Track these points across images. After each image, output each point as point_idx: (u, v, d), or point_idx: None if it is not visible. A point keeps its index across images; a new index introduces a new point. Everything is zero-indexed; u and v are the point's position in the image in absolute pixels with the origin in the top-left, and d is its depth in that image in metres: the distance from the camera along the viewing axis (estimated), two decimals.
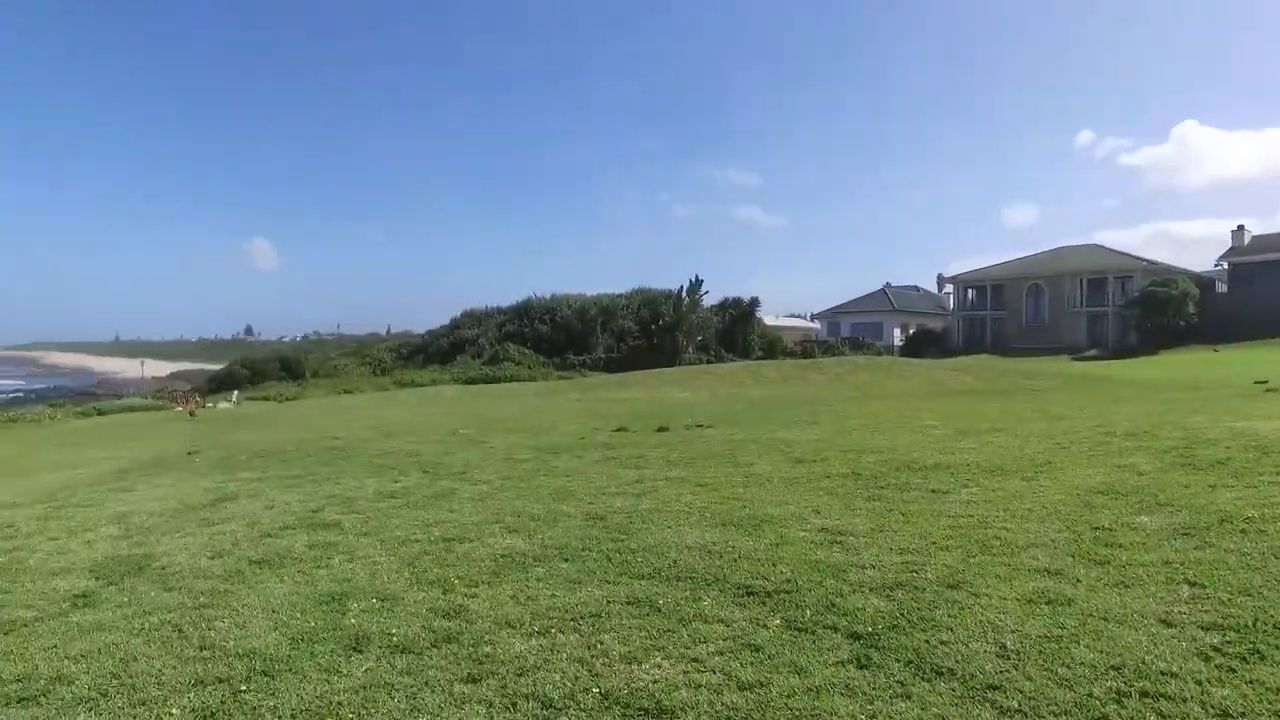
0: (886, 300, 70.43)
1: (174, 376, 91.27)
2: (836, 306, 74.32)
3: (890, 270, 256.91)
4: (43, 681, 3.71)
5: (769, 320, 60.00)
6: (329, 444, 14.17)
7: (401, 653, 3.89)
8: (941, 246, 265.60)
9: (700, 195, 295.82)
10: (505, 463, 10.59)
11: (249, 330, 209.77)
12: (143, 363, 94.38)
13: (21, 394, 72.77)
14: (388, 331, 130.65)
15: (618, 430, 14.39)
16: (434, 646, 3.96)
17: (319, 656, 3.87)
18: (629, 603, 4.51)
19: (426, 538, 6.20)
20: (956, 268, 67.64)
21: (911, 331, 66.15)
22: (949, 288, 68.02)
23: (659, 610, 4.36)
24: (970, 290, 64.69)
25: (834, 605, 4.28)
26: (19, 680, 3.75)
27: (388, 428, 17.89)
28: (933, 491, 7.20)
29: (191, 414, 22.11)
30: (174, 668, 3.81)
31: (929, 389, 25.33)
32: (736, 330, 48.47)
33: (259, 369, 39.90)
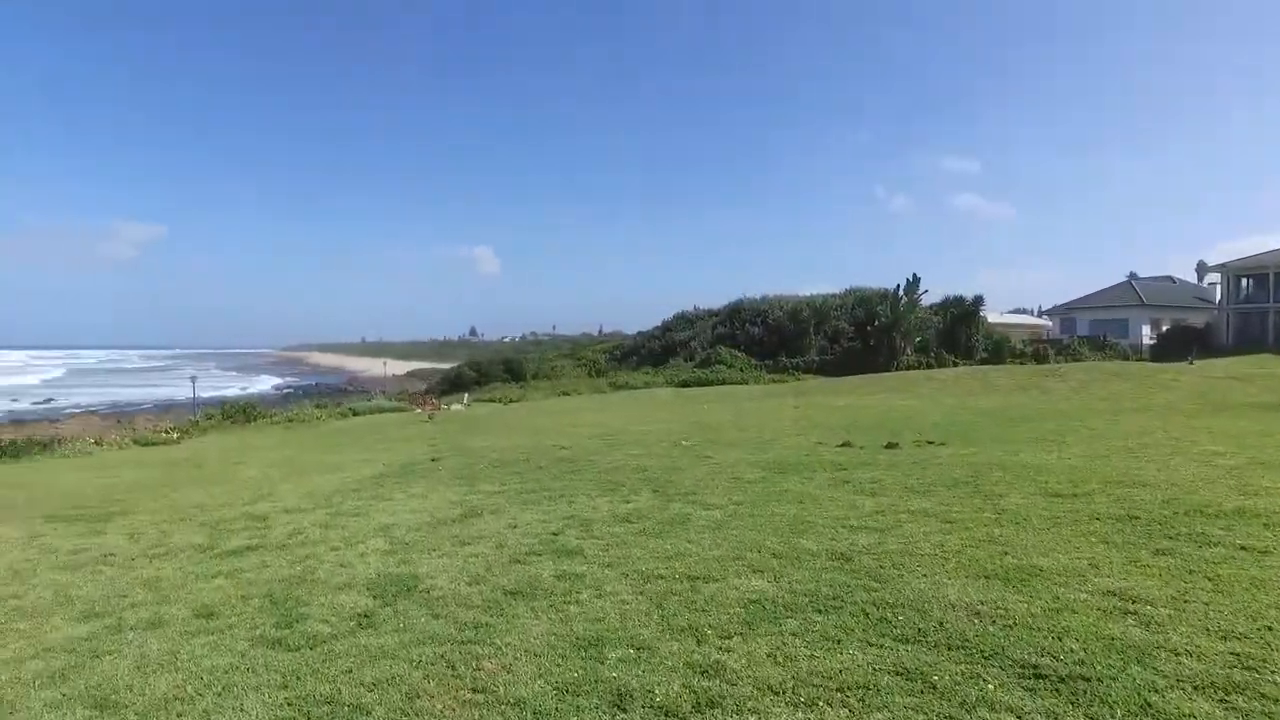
0: (1133, 293, 63.03)
1: (410, 375, 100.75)
2: (1071, 301, 67.64)
3: (1133, 261, 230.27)
4: (345, 709, 3.99)
5: (992, 318, 55.67)
6: (558, 454, 14.75)
7: (666, 716, 3.80)
8: (1195, 230, 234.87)
9: (915, 185, 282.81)
10: (733, 482, 10.45)
11: (473, 331, 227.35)
12: (385, 363, 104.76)
13: (292, 389, 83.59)
14: (600, 331, 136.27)
15: (843, 445, 13.83)
16: (697, 711, 3.83)
17: (584, 713, 3.87)
18: (898, 673, 4.14)
19: (670, 573, 6.14)
20: (1222, 254, 59.14)
21: (1165, 328, 58.69)
22: (1213, 277, 59.69)
23: (934, 688, 3.96)
24: (1245, 280, 56.23)
25: (1150, 706, 3.66)
26: (328, 703, 4.07)
27: (610, 435, 18.39)
28: (1243, 549, 6.13)
29: (430, 417, 24.00)
30: (454, 710, 3.96)
31: (1201, 402, 22.12)
32: (958, 330, 45.46)
33: (485, 370, 42.81)
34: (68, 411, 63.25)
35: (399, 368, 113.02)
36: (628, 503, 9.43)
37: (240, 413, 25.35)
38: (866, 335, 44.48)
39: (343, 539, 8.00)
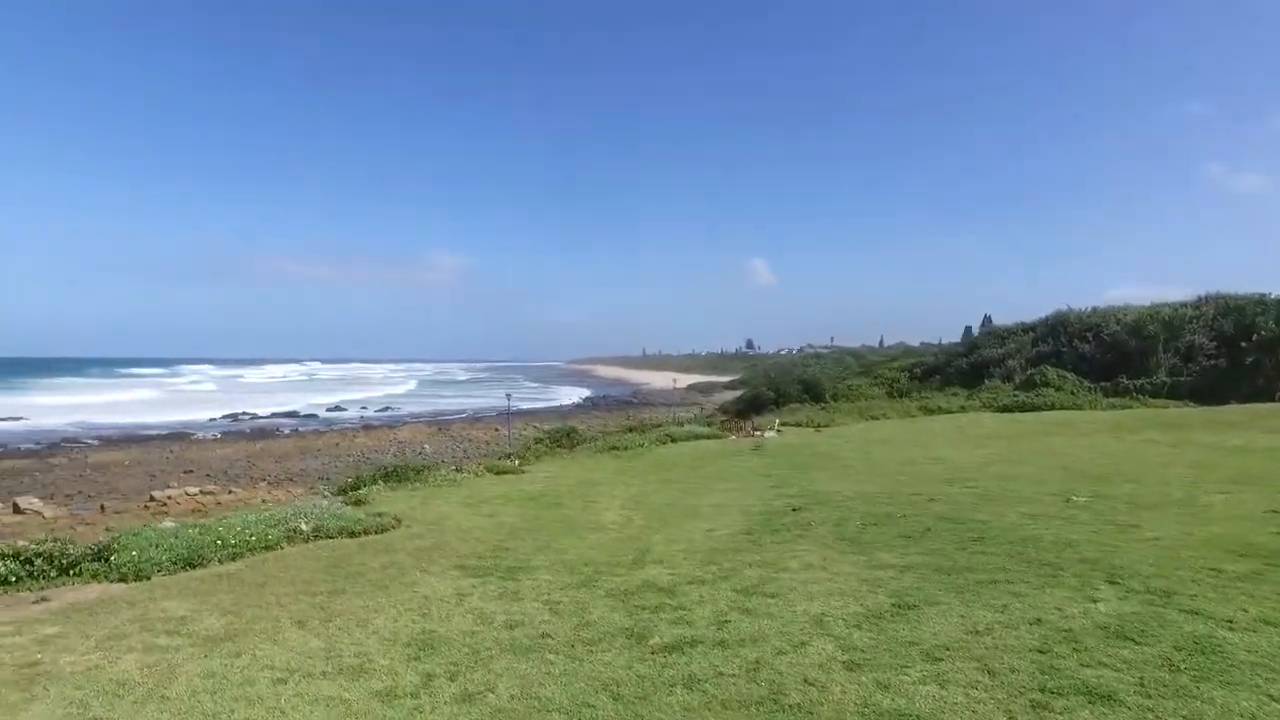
0: None
1: (691, 389, 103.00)
2: None
3: None
4: None
5: None
6: (929, 507, 13.10)
7: None
8: None
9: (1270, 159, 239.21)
10: (1213, 575, 8.15)
11: (749, 344, 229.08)
12: (675, 379, 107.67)
13: (585, 401, 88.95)
14: (880, 343, 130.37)
15: None
16: None
17: None
18: None
19: None
20: None
21: None
22: None
23: None
24: None
25: None
26: None
27: (965, 478, 16.36)
28: None
29: (756, 447, 23.20)
30: None
31: None
32: None
33: (782, 390, 41.74)
34: (403, 420, 71.89)
35: (681, 379, 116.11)
36: (1094, 602, 7.56)
37: (565, 437, 26.52)
38: (1240, 352, 37.05)
39: (781, 634, 7.04)
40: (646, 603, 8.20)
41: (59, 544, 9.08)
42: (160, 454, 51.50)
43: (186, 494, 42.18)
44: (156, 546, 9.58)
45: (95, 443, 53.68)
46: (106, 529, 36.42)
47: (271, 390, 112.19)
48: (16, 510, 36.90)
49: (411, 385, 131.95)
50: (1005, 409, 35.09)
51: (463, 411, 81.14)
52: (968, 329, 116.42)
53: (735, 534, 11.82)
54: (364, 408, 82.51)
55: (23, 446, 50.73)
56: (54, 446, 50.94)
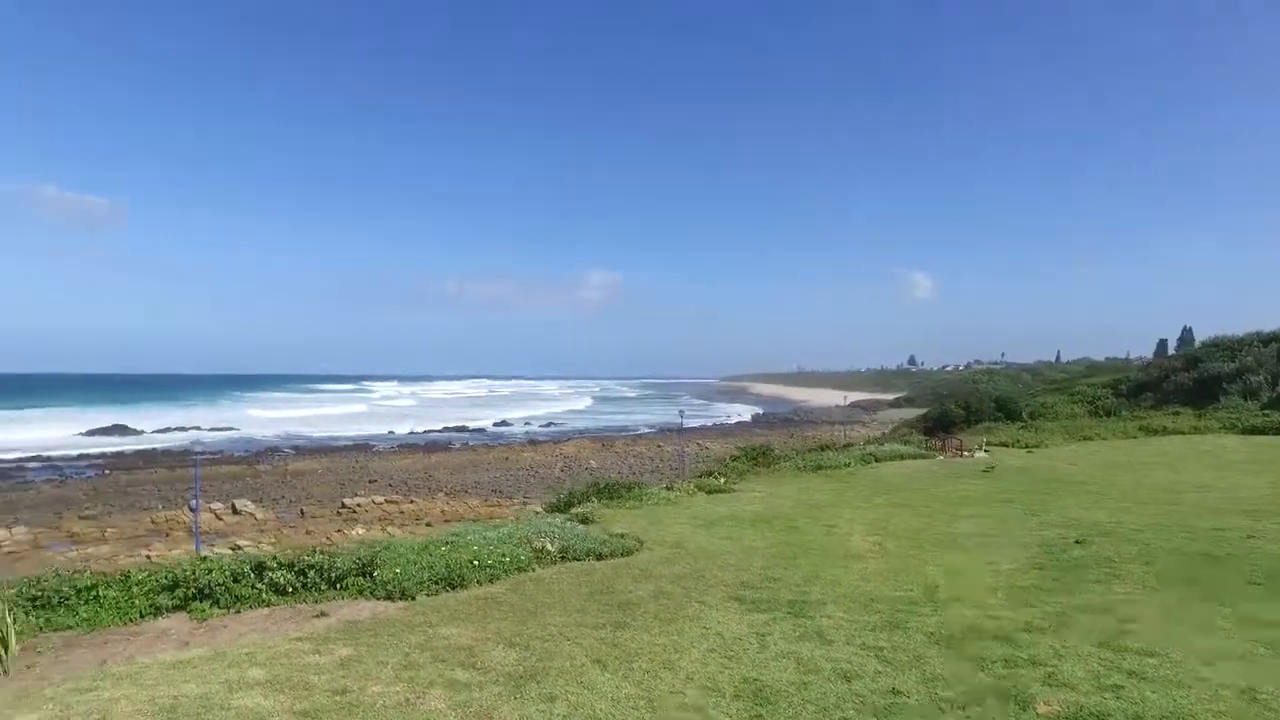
0: None
1: (854, 406, 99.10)
2: None
3: None
4: None
5: None
6: (1247, 541, 10.94)
7: None
8: None
9: None
10: None
11: (911, 360, 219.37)
12: (845, 396, 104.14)
13: (749, 418, 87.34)
14: (1057, 358, 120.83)
15: None
16: None
17: None
18: None
19: None
20: None
21: None
22: None
23: None
24: None
25: None
26: None
27: (1261, 508, 13.79)
28: None
29: (988, 469, 21.05)
30: None
31: None
32: None
33: (974, 408, 38.64)
34: (568, 435, 72.92)
35: (839, 397, 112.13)
36: None
37: (761, 455, 25.28)
38: None
39: (1215, 714, 5.49)
40: (989, 653, 6.82)
41: (327, 556, 8.80)
42: (347, 464, 54.53)
43: (373, 502, 44.20)
44: (415, 564, 9.15)
45: (292, 452, 57.55)
46: (306, 532, 38.60)
47: (448, 405, 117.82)
48: (234, 511, 39.79)
49: (588, 402, 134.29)
50: (1253, 430, 30.65)
51: (626, 428, 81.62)
52: (1162, 342, 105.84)
53: (1024, 569, 10.20)
54: (528, 423, 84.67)
55: (236, 454, 55.06)
56: (259, 455, 54.96)
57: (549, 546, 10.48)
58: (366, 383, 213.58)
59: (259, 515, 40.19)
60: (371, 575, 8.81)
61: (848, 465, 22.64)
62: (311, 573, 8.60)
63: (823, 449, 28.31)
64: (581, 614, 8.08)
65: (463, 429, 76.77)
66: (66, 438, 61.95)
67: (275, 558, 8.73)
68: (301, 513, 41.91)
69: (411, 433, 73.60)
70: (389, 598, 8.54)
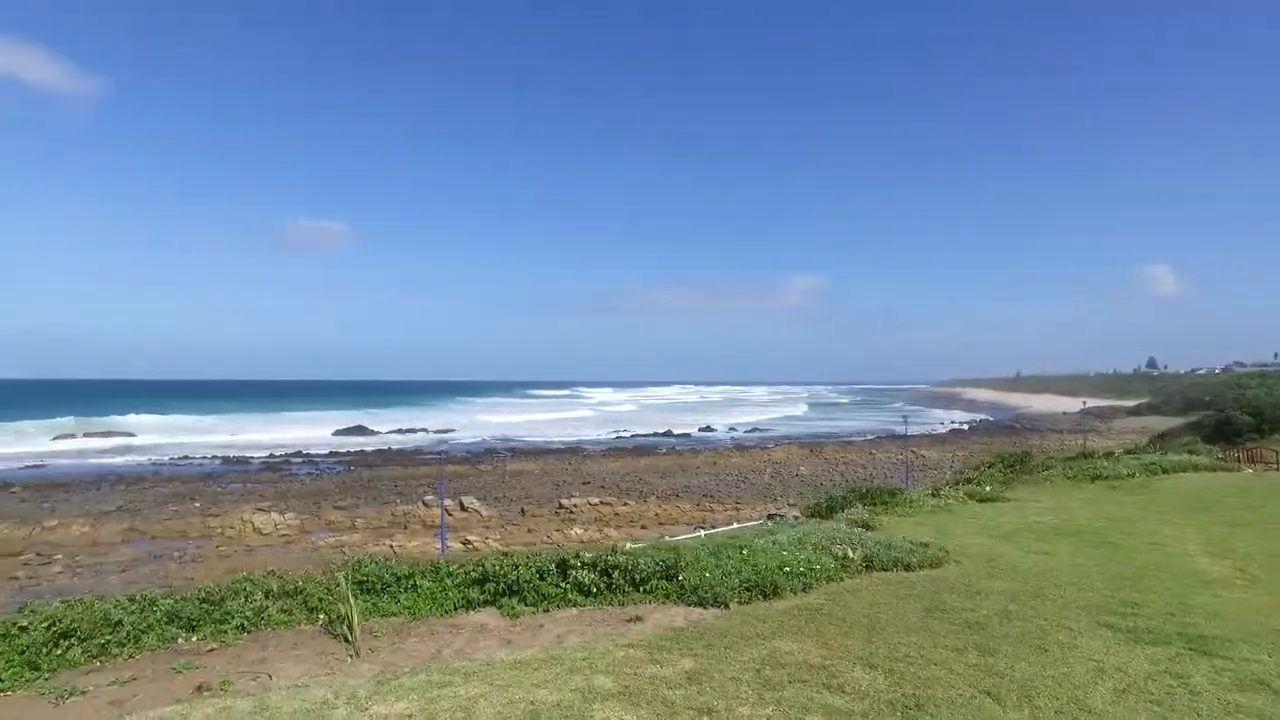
0: None
1: (1085, 413, 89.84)
2: None
3: None
4: None
5: None
6: None
7: None
8: None
9: None
10: None
11: (1151, 363, 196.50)
12: (1085, 401, 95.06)
13: (966, 425, 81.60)
14: None
15: None
16: None
17: None
18: None
19: None
20: None
21: None
22: None
23: None
24: None
25: None
26: None
27: None
28: None
29: None
30: None
31: None
32: None
33: (1268, 415, 33.14)
34: (773, 441, 71.42)
35: (1066, 404, 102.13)
36: None
37: (1019, 461, 22.84)
38: None
39: None
40: None
41: (629, 556, 8.29)
42: (560, 466, 56.34)
43: (589, 503, 45.15)
44: (719, 569, 8.42)
45: (509, 454, 60.40)
46: (529, 530, 39.98)
47: (658, 410, 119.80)
48: (462, 508, 42.05)
49: (801, 408, 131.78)
50: None
51: (835, 434, 78.89)
52: None
53: None
54: (733, 429, 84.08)
55: (458, 455, 58.61)
56: (479, 456, 58.13)
57: (850, 554, 9.44)
58: (579, 389, 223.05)
59: (484, 512, 42.25)
60: (676, 579, 8.18)
61: (1131, 475, 19.77)
62: (616, 574, 8.11)
63: (1083, 457, 25.15)
64: (929, 634, 6.97)
65: (669, 433, 77.40)
66: (319, 437, 68.99)
67: (578, 556, 8.34)
68: (522, 511, 43.60)
69: (619, 436, 75.18)
70: (700, 604, 7.86)
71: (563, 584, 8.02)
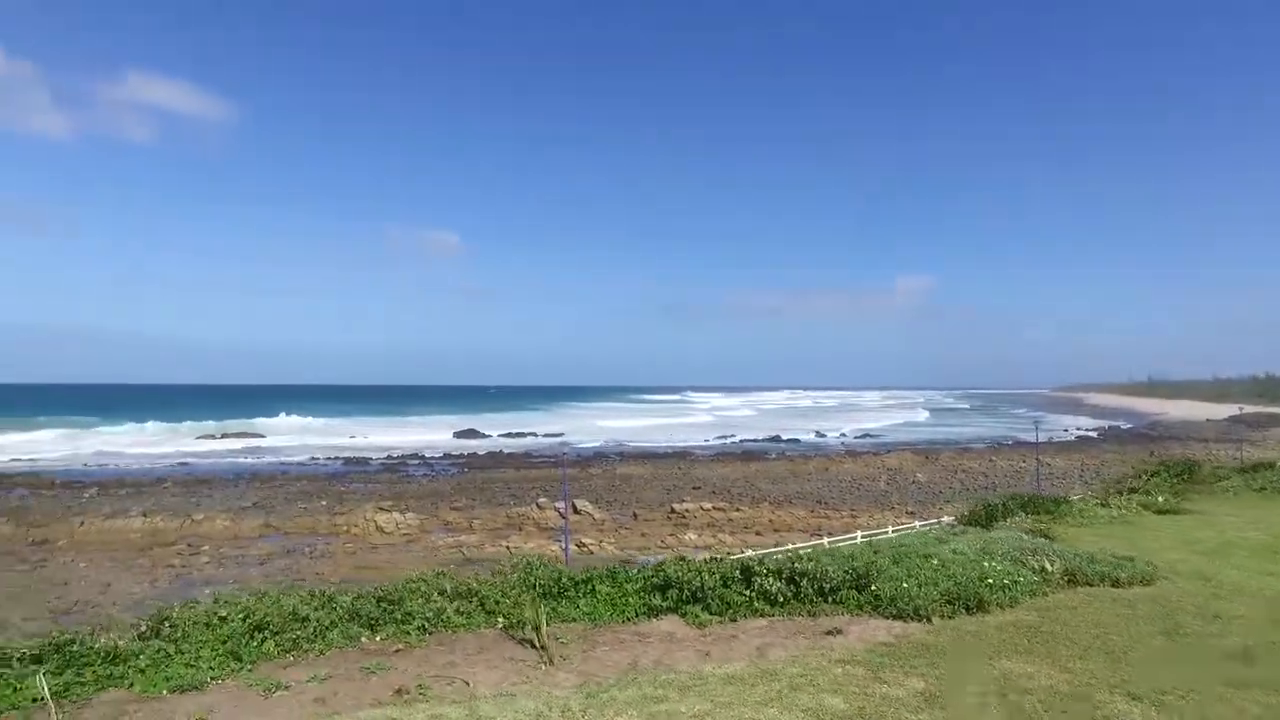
0: None
1: (1234, 420, 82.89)
2: None
3: None
4: None
5: None
6: None
7: None
8: None
9: None
10: None
11: None
12: (1240, 408, 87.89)
13: (1093, 432, 76.86)
14: None
15: None
16: None
17: None
18: None
19: None
20: None
21: None
22: None
23: None
24: None
25: None
26: None
27: None
28: None
29: None
30: None
31: None
32: None
33: None
34: (888, 447, 69.06)
35: (1209, 410, 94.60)
36: None
37: (1186, 472, 20.92)
38: None
39: None
40: None
41: (816, 564, 7.71)
42: (670, 470, 55.94)
43: (701, 508, 44.54)
44: (911, 578, 7.74)
45: (618, 458, 60.49)
46: (641, 534, 39.72)
47: (772, 416, 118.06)
48: (574, 511, 42.20)
49: (916, 414, 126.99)
50: None
51: (951, 440, 75.71)
52: None
53: None
54: (843, 434, 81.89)
55: (567, 458, 59.13)
56: (589, 459, 58.48)
57: (1049, 566, 8.55)
58: (688, 393, 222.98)
59: (596, 515, 42.23)
60: (868, 589, 7.55)
61: None
62: (804, 582, 7.55)
63: (1265, 468, 22.78)
64: (1185, 662, 6.11)
65: (777, 439, 75.97)
66: (433, 439, 71.05)
67: (763, 563, 7.84)
68: (634, 515, 43.40)
69: (727, 441, 74.38)
70: (899, 617, 7.21)
71: (747, 591, 7.52)
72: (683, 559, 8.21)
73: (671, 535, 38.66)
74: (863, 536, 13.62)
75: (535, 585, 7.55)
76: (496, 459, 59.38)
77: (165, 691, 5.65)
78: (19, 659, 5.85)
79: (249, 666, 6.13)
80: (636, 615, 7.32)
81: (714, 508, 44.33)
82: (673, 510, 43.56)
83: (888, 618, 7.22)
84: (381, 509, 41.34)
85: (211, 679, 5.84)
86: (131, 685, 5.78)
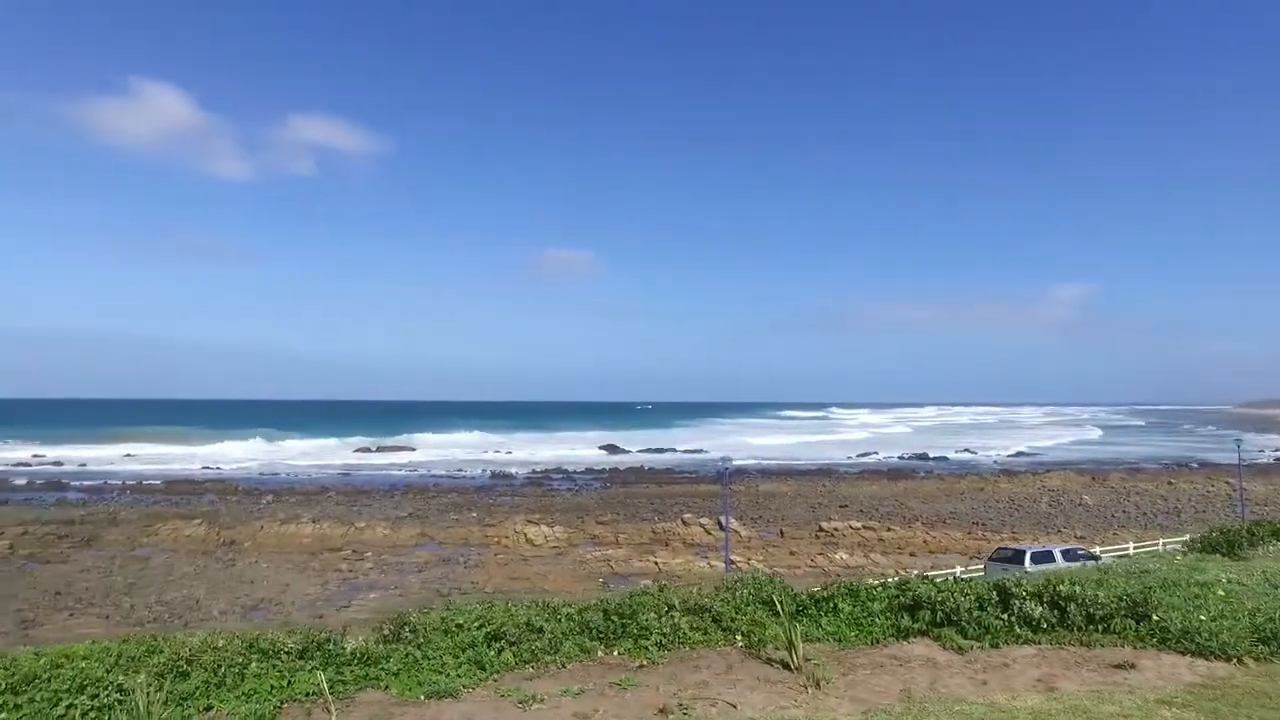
0: None
1: None
2: None
3: None
4: None
5: None
6: None
7: None
8: None
9: None
10: None
11: None
12: None
13: None
14: None
15: None
16: None
17: None
18: None
19: None
20: None
21: None
22: None
23: None
24: None
25: None
26: None
27: None
28: None
29: None
30: None
31: None
32: None
33: None
34: (1046, 466, 64.72)
35: None
36: None
37: None
38: None
39: None
40: None
41: (1081, 587, 6.87)
42: (814, 488, 54.41)
43: (850, 527, 42.94)
44: (1198, 610, 6.75)
45: (759, 474, 59.45)
46: (790, 552, 38.60)
47: (933, 433, 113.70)
48: (720, 527, 41.61)
49: (1096, 433, 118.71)
50: None
51: (1119, 460, 70.10)
52: None
53: None
54: (994, 452, 77.48)
55: (708, 474, 58.66)
56: (730, 476, 57.72)
57: None
58: (834, 409, 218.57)
59: (743, 532, 41.47)
60: (1148, 619, 6.63)
61: None
62: (1071, 607, 6.72)
63: None
64: None
65: (924, 456, 72.71)
66: (575, 454, 72.34)
67: (1020, 584, 7.06)
68: (781, 533, 42.34)
69: (870, 458, 71.88)
70: (1198, 654, 6.26)
71: (1003, 615, 6.77)
72: (926, 578, 7.53)
73: (821, 554, 37.39)
74: (1108, 553, 12.31)
75: (767, 602, 7.08)
76: (638, 474, 59.64)
77: (422, 696, 5.58)
78: (285, 653, 5.95)
79: (494, 676, 6.00)
80: (884, 636, 6.72)
81: (864, 527, 42.68)
82: (820, 529, 42.24)
83: (1182, 654, 6.28)
84: (530, 522, 42.22)
85: (463, 687, 5.72)
86: (387, 687, 5.75)
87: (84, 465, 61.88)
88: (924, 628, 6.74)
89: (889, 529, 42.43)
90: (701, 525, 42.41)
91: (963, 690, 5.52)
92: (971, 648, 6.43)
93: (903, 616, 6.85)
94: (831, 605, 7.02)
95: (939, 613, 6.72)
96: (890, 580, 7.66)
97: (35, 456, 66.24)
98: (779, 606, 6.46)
